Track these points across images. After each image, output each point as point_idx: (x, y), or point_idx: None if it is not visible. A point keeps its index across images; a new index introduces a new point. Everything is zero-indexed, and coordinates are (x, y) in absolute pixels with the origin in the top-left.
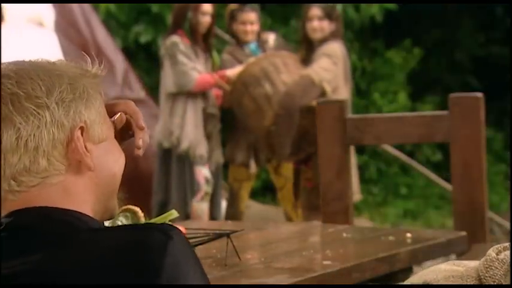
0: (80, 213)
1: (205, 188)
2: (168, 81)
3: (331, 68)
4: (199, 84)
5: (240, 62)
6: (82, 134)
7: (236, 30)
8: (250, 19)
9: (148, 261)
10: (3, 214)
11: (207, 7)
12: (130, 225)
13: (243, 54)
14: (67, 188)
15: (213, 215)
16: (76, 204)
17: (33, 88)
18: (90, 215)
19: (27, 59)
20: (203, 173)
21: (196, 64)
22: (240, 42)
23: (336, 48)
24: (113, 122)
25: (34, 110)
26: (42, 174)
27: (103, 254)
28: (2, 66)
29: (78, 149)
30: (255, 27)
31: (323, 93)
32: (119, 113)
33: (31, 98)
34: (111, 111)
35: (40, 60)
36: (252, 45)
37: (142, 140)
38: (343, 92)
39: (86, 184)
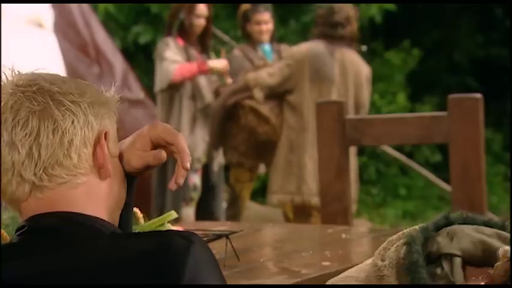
0: (102, 219)
1: (191, 195)
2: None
3: (278, 73)
4: (178, 73)
5: (250, 60)
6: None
7: (251, 31)
8: (265, 19)
9: (171, 264)
10: (29, 210)
11: (202, 9)
12: (152, 231)
13: (255, 54)
14: (90, 191)
15: (216, 216)
16: (96, 209)
17: (67, 88)
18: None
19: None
20: (193, 179)
21: (182, 60)
22: (255, 43)
23: (296, 49)
24: (154, 156)
25: (70, 105)
26: (73, 170)
27: (126, 258)
28: (29, 73)
29: (103, 152)
30: (270, 27)
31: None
32: (159, 150)
33: (67, 94)
34: (156, 136)
35: None
36: (266, 47)
37: (183, 178)
38: (307, 92)
39: (105, 190)
